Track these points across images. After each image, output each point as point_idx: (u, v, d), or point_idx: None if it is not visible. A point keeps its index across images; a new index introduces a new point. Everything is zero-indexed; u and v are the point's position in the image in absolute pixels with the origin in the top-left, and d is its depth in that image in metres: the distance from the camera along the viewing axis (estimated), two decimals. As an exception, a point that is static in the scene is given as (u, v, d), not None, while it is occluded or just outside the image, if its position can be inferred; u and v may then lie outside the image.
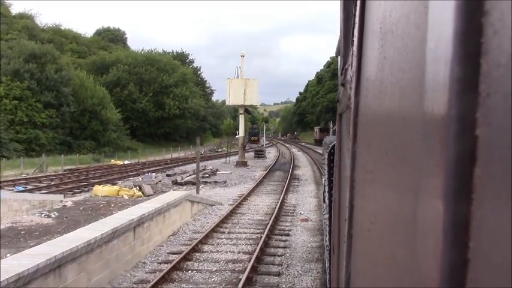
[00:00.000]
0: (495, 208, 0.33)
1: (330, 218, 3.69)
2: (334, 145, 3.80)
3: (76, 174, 25.56)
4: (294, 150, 58.50)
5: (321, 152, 26.97)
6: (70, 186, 20.49)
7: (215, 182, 22.12)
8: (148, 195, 18.90)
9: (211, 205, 15.17)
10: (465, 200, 0.36)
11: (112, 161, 34.27)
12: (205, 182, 22.04)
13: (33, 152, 34.47)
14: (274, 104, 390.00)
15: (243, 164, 31.98)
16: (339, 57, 3.08)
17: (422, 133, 0.47)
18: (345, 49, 2.26)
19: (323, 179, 6.84)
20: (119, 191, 18.01)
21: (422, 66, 0.48)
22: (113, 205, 16.06)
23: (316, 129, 68.77)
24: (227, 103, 33.86)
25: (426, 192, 0.44)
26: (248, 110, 33.04)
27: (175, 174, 25.68)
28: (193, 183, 21.84)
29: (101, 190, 17.72)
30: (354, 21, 1.58)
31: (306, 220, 12.74)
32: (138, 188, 18.97)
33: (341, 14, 2.40)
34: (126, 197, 17.45)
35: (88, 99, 41.43)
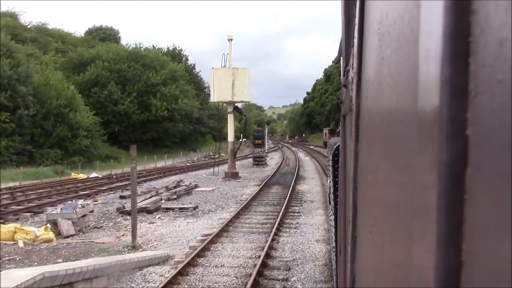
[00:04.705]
0: (486, 209, 0.32)
1: (335, 220, 3.57)
2: (338, 146, 3.62)
3: (6, 196, 19.13)
4: (301, 154, 51.82)
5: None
6: (-34, 220, 13.97)
7: (180, 208, 15.45)
8: (67, 236, 12.31)
9: (140, 268, 8.58)
10: (458, 201, 0.36)
11: (73, 174, 27.75)
12: (167, 209, 15.42)
13: (-20, 164, 28.13)
14: (283, 106, 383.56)
15: (233, 175, 25.30)
16: (341, 58, 3.02)
17: (417, 134, 0.47)
18: (347, 50, 2.23)
19: (328, 181, 6.29)
20: (15, 232, 11.49)
21: (416, 67, 0.47)
22: (-18, 263, 9.59)
23: (326, 130, 62.07)
24: (211, 99, 27.20)
25: (421, 195, 0.44)
26: (238, 109, 26.33)
27: (140, 194, 18.96)
28: (149, 211, 15.26)
29: (-16, 233, 11.19)
30: (354, 22, 1.56)
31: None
32: (52, 224, 12.38)
33: (342, 15, 2.33)
34: (21, 244, 10.96)
35: (53, 100, 34.84)
